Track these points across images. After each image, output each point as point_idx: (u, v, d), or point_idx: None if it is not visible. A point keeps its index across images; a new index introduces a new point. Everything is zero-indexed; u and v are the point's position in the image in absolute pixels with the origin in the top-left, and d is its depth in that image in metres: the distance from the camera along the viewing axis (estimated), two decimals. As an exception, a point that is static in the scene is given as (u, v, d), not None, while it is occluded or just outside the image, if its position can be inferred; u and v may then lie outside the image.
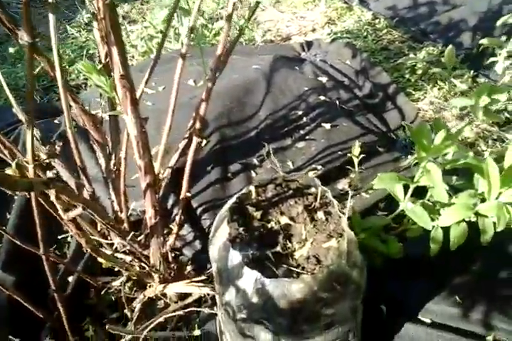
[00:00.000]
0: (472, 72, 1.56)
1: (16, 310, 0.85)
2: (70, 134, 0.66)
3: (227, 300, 0.65)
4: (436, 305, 0.89)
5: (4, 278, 0.72)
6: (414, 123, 1.48)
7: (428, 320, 0.88)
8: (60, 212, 0.58)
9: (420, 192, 0.80)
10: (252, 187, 0.77)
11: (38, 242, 0.68)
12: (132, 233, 0.88)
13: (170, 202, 1.07)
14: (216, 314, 0.91)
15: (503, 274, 0.93)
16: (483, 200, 0.76)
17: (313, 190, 0.78)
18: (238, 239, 0.68)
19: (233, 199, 0.74)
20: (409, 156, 1.28)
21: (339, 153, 1.24)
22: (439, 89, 1.56)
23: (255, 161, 1.20)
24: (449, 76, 1.53)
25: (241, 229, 0.70)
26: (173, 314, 0.82)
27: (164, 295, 0.89)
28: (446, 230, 0.77)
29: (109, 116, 0.83)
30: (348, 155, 1.11)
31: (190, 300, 0.90)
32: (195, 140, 0.82)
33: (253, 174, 1.17)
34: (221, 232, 0.70)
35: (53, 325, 0.84)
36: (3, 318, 0.82)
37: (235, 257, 0.64)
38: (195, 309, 0.78)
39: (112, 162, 0.90)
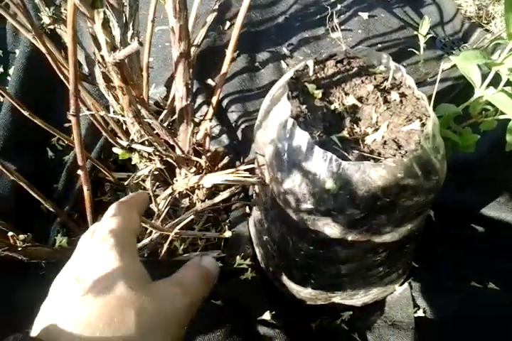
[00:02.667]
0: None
1: (21, 202, 0.74)
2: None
3: (287, 188, 0.55)
4: (490, 211, 0.81)
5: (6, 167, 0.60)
6: (454, 20, 1.34)
7: (482, 229, 0.80)
8: (104, 48, 0.44)
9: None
10: (309, 62, 0.63)
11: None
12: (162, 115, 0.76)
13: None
14: (249, 215, 0.82)
15: None
16: None
17: (381, 68, 0.65)
18: (301, 118, 0.56)
19: (289, 74, 0.61)
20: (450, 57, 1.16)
21: (378, 45, 1.10)
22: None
23: (285, 51, 1.05)
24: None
25: (303, 106, 0.57)
26: (204, 211, 0.72)
27: (192, 191, 0.79)
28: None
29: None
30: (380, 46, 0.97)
31: (219, 198, 0.80)
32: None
33: (284, 65, 1.03)
34: (277, 113, 0.58)
35: (63, 220, 0.73)
36: (9, 209, 0.71)
37: (302, 136, 0.52)
38: (237, 202, 0.68)
39: (130, 33, 0.75)
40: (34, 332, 0.36)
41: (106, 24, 0.44)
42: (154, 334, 0.36)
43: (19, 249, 0.57)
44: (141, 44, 0.40)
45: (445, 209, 0.78)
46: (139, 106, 0.61)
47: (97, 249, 0.38)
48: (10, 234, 0.56)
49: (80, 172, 0.54)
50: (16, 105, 0.56)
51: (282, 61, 1.04)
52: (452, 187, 0.82)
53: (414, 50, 0.86)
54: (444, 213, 0.78)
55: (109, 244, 0.38)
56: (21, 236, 0.56)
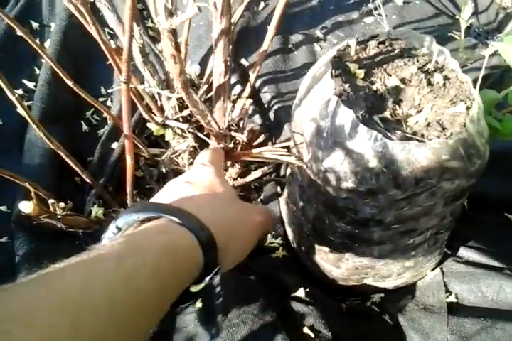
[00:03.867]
0: None
1: (58, 174, 0.75)
2: None
3: (327, 167, 0.54)
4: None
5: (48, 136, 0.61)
6: (489, 10, 1.32)
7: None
8: (162, 13, 0.44)
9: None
10: (351, 42, 0.63)
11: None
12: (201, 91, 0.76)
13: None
14: (280, 194, 0.82)
15: None
16: None
17: (423, 51, 0.64)
18: (344, 96, 0.56)
19: (331, 53, 0.61)
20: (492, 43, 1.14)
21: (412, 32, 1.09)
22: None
23: (319, 34, 1.05)
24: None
25: (346, 85, 0.57)
26: (236, 189, 0.72)
27: (225, 170, 0.79)
28: None
29: None
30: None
31: (252, 177, 0.80)
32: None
33: (317, 48, 1.02)
34: (318, 91, 0.58)
35: (99, 192, 0.74)
36: (48, 179, 0.71)
37: (346, 114, 0.52)
38: (269, 180, 0.68)
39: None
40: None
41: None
42: (244, 229, 0.48)
43: (59, 216, 0.58)
44: (199, 9, 0.40)
45: (479, 199, 0.78)
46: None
47: (203, 169, 0.52)
48: (51, 201, 0.57)
49: (126, 143, 0.54)
50: (60, 73, 0.56)
51: (316, 44, 1.03)
52: (488, 177, 0.81)
53: (455, 35, 0.85)
54: (478, 202, 0.78)
55: (211, 168, 0.52)
56: (61, 204, 0.57)
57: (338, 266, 0.65)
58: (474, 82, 0.61)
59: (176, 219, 0.40)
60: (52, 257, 0.65)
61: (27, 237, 0.64)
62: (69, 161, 0.64)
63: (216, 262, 0.43)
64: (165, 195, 0.49)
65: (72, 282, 0.30)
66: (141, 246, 0.36)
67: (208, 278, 0.41)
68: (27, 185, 0.56)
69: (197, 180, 0.50)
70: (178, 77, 0.48)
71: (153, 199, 0.49)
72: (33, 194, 0.55)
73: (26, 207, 0.54)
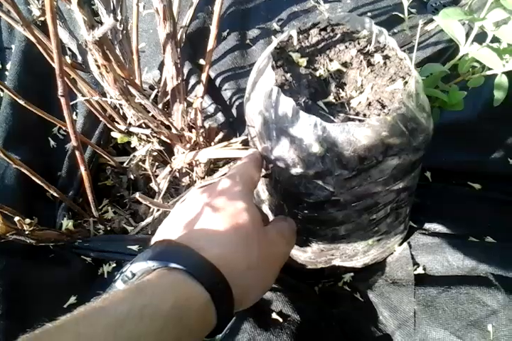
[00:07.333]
0: None
1: (28, 191, 0.77)
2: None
3: (276, 155, 0.56)
4: (487, 168, 0.81)
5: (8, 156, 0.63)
6: (445, -16, 1.33)
7: (478, 186, 0.81)
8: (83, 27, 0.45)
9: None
10: (293, 32, 0.64)
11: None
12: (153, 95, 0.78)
13: (185, 71, 0.95)
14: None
15: None
16: None
17: (364, 32, 0.65)
18: (286, 86, 0.57)
19: (273, 45, 0.62)
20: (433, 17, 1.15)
21: (368, 14, 1.10)
22: None
23: (275, 26, 1.06)
24: None
25: (288, 75, 0.58)
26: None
27: (191, 169, 0.80)
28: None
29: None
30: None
31: (218, 174, 0.81)
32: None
33: (275, 40, 1.03)
34: (262, 83, 0.60)
35: (69, 205, 0.76)
36: (17, 198, 0.73)
37: (287, 103, 0.54)
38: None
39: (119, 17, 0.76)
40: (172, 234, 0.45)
41: (83, 3, 0.45)
42: (266, 266, 0.46)
43: (27, 232, 0.59)
44: (116, 20, 0.41)
45: (442, 171, 0.79)
46: (131, 88, 0.62)
47: (229, 188, 0.48)
48: (16, 218, 0.58)
49: (76, 152, 0.56)
50: (13, 96, 0.58)
51: (273, 36, 1.04)
52: (449, 149, 0.83)
53: (400, 14, 0.86)
54: (441, 174, 0.79)
55: (237, 188, 0.48)
56: (27, 220, 0.59)
57: (304, 250, 0.66)
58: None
59: (191, 273, 0.38)
60: (23, 273, 0.66)
61: (-3, 255, 0.66)
62: (34, 178, 0.65)
63: (232, 314, 0.41)
64: (183, 219, 0.46)
65: None
66: (146, 309, 0.34)
67: (221, 335, 0.41)
68: (-10, 204, 0.58)
69: (220, 204, 0.46)
70: (114, 85, 0.50)
71: (169, 219, 0.47)
72: (-2, 213, 0.56)
73: (-8, 226, 0.56)
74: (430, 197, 0.73)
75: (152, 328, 0.33)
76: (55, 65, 0.45)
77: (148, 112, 0.72)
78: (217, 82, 0.95)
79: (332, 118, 0.55)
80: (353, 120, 0.54)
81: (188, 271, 0.38)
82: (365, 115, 0.55)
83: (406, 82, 0.57)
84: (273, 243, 0.48)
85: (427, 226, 0.72)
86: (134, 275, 0.41)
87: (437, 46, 1.01)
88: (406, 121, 0.54)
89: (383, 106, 0.55)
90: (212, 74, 0.96)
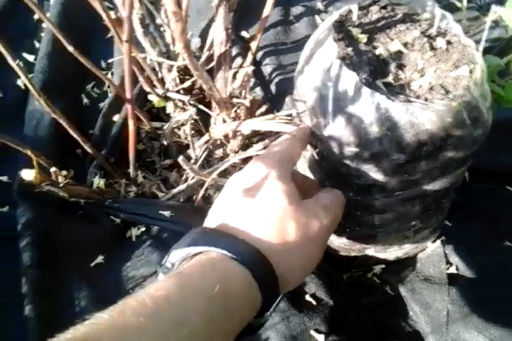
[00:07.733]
0: None
1: (59, 142, 0.75)
2: None
3: (330, 133, 0.54)
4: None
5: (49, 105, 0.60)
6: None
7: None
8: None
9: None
10: (353, 7, 0.62)
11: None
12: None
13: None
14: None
15: None
16: None
17: (426, 15, 0.63)
18: (347, 60, 0.55)
19: (333, 18, 0.60)
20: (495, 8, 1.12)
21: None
22: None
23: (320, 6, 1.03)
24: None
25: (349, 49, 0.56)
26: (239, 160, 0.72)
27: (227, 141, 0.78)
28: None
29: None
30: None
31: (253, 150, 0.80)
32: None
33: (318, 20, 1.01)
34: (321, 56, 0.58)
35: (101, 163, 0.74)
36: (50, 151, 0.71)
37: (349, 77, 0.52)
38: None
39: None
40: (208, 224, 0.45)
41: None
42: (307, 243, 0.44)
43: (61, 185, 0.58)
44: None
45: (482, 171, 0.77)
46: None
47: (265, 169, 0.46)
48: (52, 169, 0.57)
49: (127, 106, 0.54)
50: (61, 39, 0.55)
51: (317, 16, 1.01)
52: (495, 149, 0.80)
53: (457, 3, 0.84)
54: (480, 174, 0.77)
55: (274, 170, 0.46)
56: (63, 172, 0.57)
57: (339, 235, 0.65)
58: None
59: (231, 255, 0.38)
60: (54, 225, 0.65)
61: (29, 205, 0.64)
62: (71, 131, 0.63)
63: (277, 294, 0.41)
64: (221, 211, 0.46)
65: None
66: (189, 291, 0.35)
67: (268, 313, 0.41)
68: (29, 152, 0.56)
69: (255, 190, 0.45)
70: (180, 36, 0.48)
71: (211, 210, 0.47)
72: (34, 162, 0.55)
73: (28, 174, 0.54)
74: (468, 196, 0.71)
75: (200, 307, 0.34)
76: (125, 7, 0.43)
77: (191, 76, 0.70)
78: (258, 56, 0.92)
79: (393, 98, 0.53)
80: (414, 102, 0.52)
81: (227, 254, 0.39)
82: (426, 99, 0.53)
83: (471, 70, 0.55)
84: (314, 217, 0.46)
85: (461, 225, 0.70)
86: (173, 265, 0.40)
87: (486, 42, 0.98)
88: (470, 110, 0.52)
89: (447, 92, 0.53)
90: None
